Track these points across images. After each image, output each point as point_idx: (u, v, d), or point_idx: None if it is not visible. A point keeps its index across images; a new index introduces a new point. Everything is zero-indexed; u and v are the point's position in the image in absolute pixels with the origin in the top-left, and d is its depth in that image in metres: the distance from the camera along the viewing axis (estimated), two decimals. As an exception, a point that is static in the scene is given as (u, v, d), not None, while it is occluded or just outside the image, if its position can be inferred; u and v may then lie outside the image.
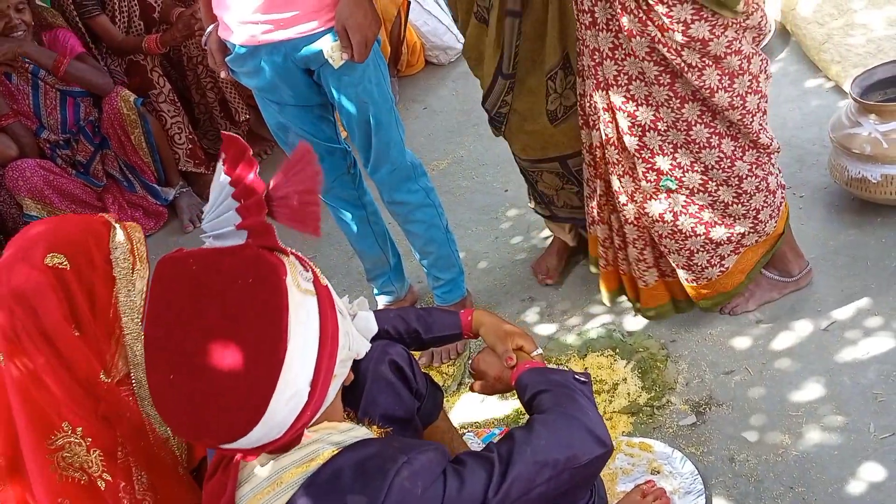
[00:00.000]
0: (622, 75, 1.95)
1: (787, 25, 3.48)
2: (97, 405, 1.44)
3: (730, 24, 1.84)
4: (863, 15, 3.14)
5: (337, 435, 1.21)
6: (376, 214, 2.58)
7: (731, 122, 1.96)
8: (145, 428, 1.51)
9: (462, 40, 2.40)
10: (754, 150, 2.03)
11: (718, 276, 2.20)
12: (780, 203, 2.16)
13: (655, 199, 2.09)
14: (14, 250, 1.46)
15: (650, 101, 1.95)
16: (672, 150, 2.00)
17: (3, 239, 3.53)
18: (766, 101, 2.01)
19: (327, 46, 2.01)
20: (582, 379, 1.43)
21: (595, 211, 2.26)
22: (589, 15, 1.94)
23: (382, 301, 2.71)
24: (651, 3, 1.81)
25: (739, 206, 2.07)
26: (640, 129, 1.99)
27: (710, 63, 1.86)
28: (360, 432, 1.26)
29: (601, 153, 2.13)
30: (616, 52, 1.93)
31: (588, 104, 2.09)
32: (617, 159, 2.08)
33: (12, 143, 3.42)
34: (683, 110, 1.93)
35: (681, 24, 1.81)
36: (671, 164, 2.02)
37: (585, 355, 2.35)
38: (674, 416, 2.10)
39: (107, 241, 1.51)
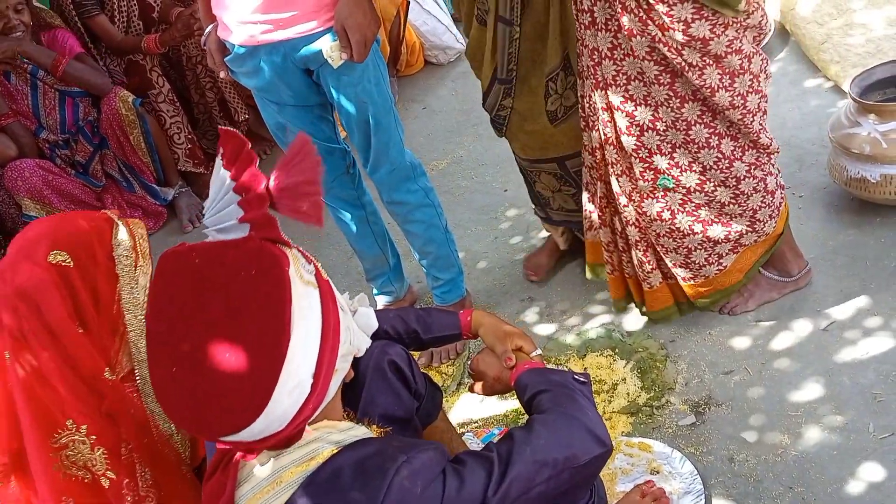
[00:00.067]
0: (621, 75, 1.95)
1: (787, 25, 3.48)
2: (101, 402, 1.44)
3: (730, 23, 1.84)
4: (862, 15, 3.14)
5: (336, 434, 1.21)
6: (375, 214, 2.58)
7: (731, 121, 1.96)
8: (149, 424, 1.51)
9: (462, 41, 2.40)
10: (754, 151, 2.03)
11: (716, 274, 2.20)
12: (780, 203, 2.16)
13: (653, 198, 2.09)
14: (17, 249, 1.46)
15: (649, 101, 1.95)
16: (670, 150, 2.00)
17: (2, 239, 3.53)
18: (767, 101, 2.01)
19: (326, 46, 2.01)
20: (581, 379, 1.43)
21: (596, 214, 2.26)
22: (588, 15, 1.94)
23: (382, 301, 2.71)
24: (651, 2, 1.81)
25: (736, 205, 2.07)
26: (638, 128, 1.99)
27: (711, 62, 1.86)
28: (360, 431, 1.26)
29: (601, 154, 2.13)
30: (615, 51, 1.93)
31: (588, 105, 2.09)
32: (616, 159, 2.08)
33: (11, 143, 3.42)
34: (683, 110, 1.93)
35: (681, 24, 1.81)
36: (669, 164, 2.02)
37: (585, 355, 2.35)
38: (673, 416, 2.10)
39: (109, 238, 1.52)
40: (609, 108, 2.01)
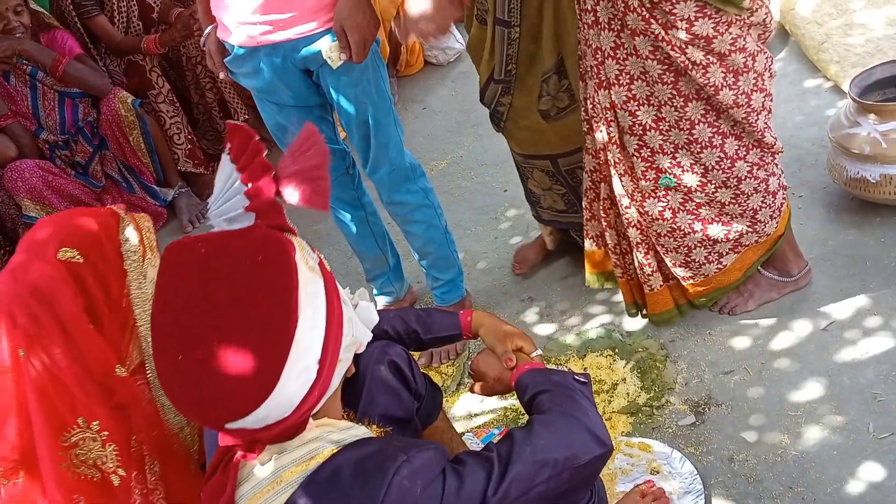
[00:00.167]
0: (624, 74, 1.94)
1: (786, 25, 3.48)
2: (112, 397, 1.45)
3: (734, 20, 1.83)
4: (862, 15, 3.14)
5: (337, 433, 1.21)
6: (375, 215, 2.58)
7: (735, 120, 1.96)
8: (159, 417, 1.52)
9: (462, 41, 2.41)
10: (758, 150, 2.03)
11: (715, 272, 2.20)
12: (781, 204, 2.16)
13: (654, 198, 2.09)
14: (26, 248, 1.47)
15: (651, 101, 1.95)
16: (672, 150, 2.00)
17: (1, 239, 3.53)
18: (771, 100, 2.01)
19: (326, 47, 2.01)
20: (581, 379, 1.43)
21: (600, 219, 2.25)
22: (591, 14, 1.94)
23: (382, 301, 2.71)
24: (654, 0, 1.81)
25: (736, 205, 2.07)
26: (641, 128, 1.98)
27: (715, 60, 1.86)
28: (360, 431, 1.26)
29: (604, 156, 2.13)
30: (618, 51, 1.93)
31: (591, 106, 2.09)
32: (618, 159, 2.08)
33: (11, 144, 3.42)
34: (687, 109, 1.93)
35: (684, 22, 1.81)
36: (671, 163, 2.02)
37: (585, 355, 2.35)
38: (673, 416, 2.10)
39: (117, 233, 1.52)
40: (612, 108, 2.01)
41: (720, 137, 1.97)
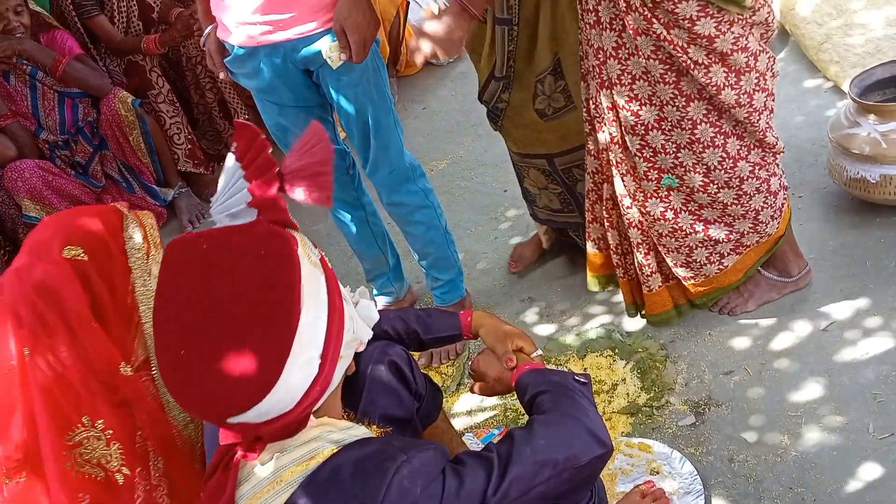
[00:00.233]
0: (626, 74, 1.94)
1: (786, 25, 3.48)
2: (117, 394, 1.45)
3: (736, 20, 1.83)
4: (862, 15, 3.14)
5: (337, 433, 1.21)
6: (375, 215, 2.58)
7: (737, 120, 1.96)
8: (164, 414, 1.52)
9: (462, 39, 2.41)
10: (759, 150, 2.03)
11: (716, 273, 2.20)
12: (782, 204, 2.16)
13: (656, 198, 2.09)
14: (30, 247, 1.47)
15: (654, 101, 1.94)
16: (675, 150, 2.00)
17: (1, 239, 3.53)
18: (773, 100, 2.01)
19: (326, 47, 2.01)
20: (582, 380, 1.43)
21: (602, 220, 2.25)
22: (593, 14, 1.94)
23: (381, 302, 2.71)
24: (657, 0, 1.81)
25: (739, 206, 2.07)
26: (643, 127, 1.98)
27: (717, 60, 1.86)
28: (360, 431, 1.26)
29: (606, 157, 2.13)
30: (619, 51, 1.93)
31: (593, 106, 2.09)
32: (620, 159, 2.08)
33: (11, 144, 3.42)
34: (689, 109, 1.93)
35: (686, 21, 1.81)
36: (673, 163, 2.02)
37: (585, 356, 2.35)
38: (673, 417, 2.10)
39: (120, 231, 1.53)
40: (614, 108, 2.01)
41: (722, 137, 1.97)
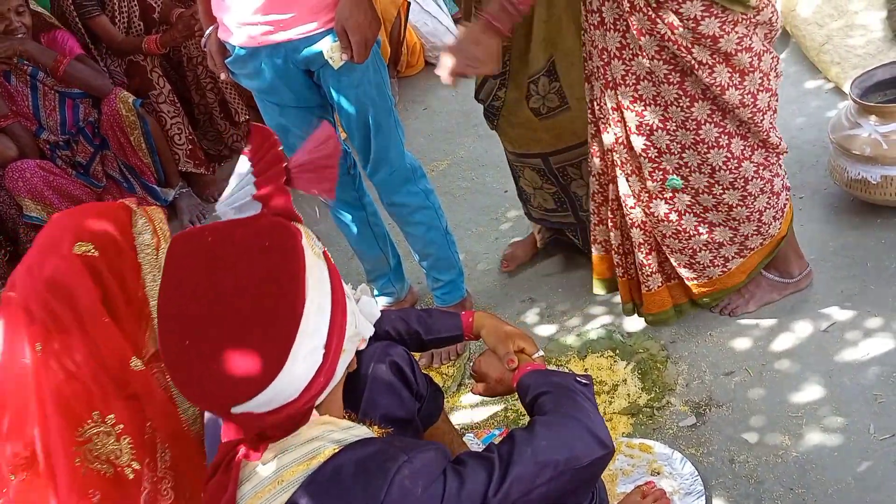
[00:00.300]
0: (630, 75, 1.94)
1: (787, 26, 3.48)
2: (128, 388, 1.45)
3: (740, 20, 1.83)
4: (862, 16, 3.14)
5: (338, 433, 1.21)
6: (376, 216, 2.58)
7: (741, 120, 1.96)
8: (173, 406, 1.52)
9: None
10: (763, 150, 2.03)
11: (720, 276, 2.20)
12: (784, 205, 2.16)
13: (661, 199, 2.09)
14: (41, 244, 1.48)
15: (658, 101, 1.94)
16: (680, 150, 2.00)
17: (1, 239, 3.53)
18: (777, 100, 2.01)
19: (327, 47, 2.01)
20: (583, 381, 1.43)
21: (607, 218, 2.25)
22: (597, 15, 1.94)
23: (382, 302, 2.71)
24: (660, 0, 1.81)
25: (744, 208, 2.07)
26: (647, 128, 1.98)
27: (721, 60, 1.86)
28: (361, 431, 1.26)
29: (611, 157, 2.13)
30: (623, 51, 1.93)
31: (598, 107, 2.09)
32: (625, 159, 2.08)
33: (12, 144, 3.42)
34: (693, 109, 1.93)
35: (691, 21, 1.80)
36: (678, 164, 2.02)
37: (585, 356, 2.35)
38: (674, 417, 2.10)
39: (130, 227, 1.54)
40: (619, 108, 2.01)
41: (726, 137, 1.97)
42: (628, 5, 1.84)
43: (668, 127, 1.97)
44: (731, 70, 1.87)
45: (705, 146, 1.97)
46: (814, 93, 3.20)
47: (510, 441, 1.26)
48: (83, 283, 1.42)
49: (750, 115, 1.93)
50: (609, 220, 2.24)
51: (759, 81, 1.91)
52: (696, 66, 1.85)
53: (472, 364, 1.67)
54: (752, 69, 1.89)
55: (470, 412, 2.32)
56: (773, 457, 1.92)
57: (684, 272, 2.21)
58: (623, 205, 2.16)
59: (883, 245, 2.38)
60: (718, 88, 1.87)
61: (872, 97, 2.46)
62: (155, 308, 1.51)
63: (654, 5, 1.81)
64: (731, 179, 2.02)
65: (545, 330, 2.53)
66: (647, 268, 2.22)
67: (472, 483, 1.18)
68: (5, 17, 3.34)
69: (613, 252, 2.28)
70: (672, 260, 2.20)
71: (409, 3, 4.19)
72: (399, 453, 1.15)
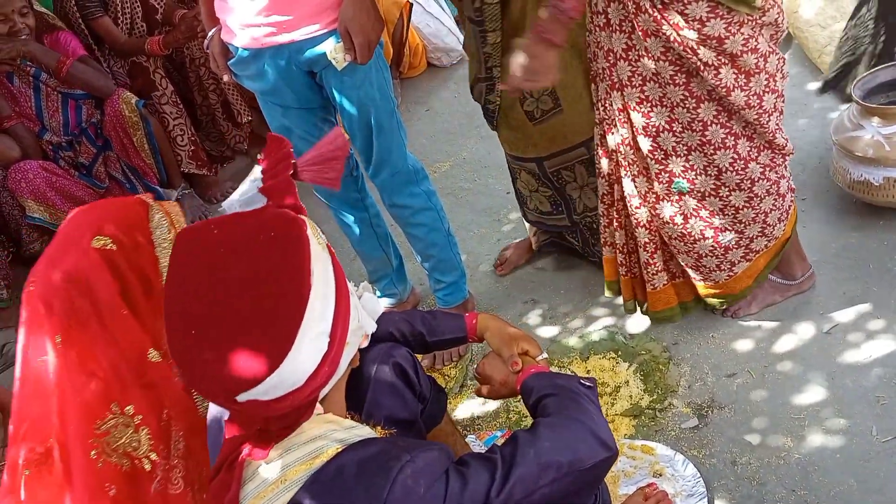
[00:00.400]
0: (636, 76, 1.94)
1: (790, 28, 3.48)
2: (145, 378, 1.46)
3: (745, 21, 1.83)
4: (865, 18, 3.14)
5: (341, 432, 1.21)
6: (378, 217, 2.58)
7: (747, 122, 1.96)
8: (190, 399, 1.53)
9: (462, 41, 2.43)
10: (769, 152, 2.03)
11: (726, 280, 2.19)
12: (789, 207, 2.16)
13: (667, 201, 2.09)
14: (61, 238, 1.49)
15: (664, 102, 1.94)
16: (686, 152, 2.00)
17: (4, 239, 3.53)
18: (783, 101, 2.01)
19: (330, 48, 2.02)
20: (587, 384, 1.43)
21: (614, 223, 2.25)
22: (603, 16, 1.94)
23: (385, 303, 2.71)
24: (666, 1, 1.81)
25: (750, 209, 2.07)
26: (654, 129, 1.98)
27: (727, 61, 1.86)
28: (364, 431, 1.26)
29: (616, 158, 2.13)
30: (629, 53, 1.93)
31: (603, 108, 2.09)
32: (632, 160, 2.08)
33: (15, 145, 3.43)
34: (699, 110, 1.93)
35: (696, 22, 1.80)
36: (684, 166, 2.02)
37: (587, 358, 2.35)
38: (676, 419, 2.10)
39: (147, 222, 1.55)
40: (625, 110, 2.01)
41: (733, 138, 1.97)
42: (634, 7, 1.84)
43: (674, 128, 1.97)
44: (736, 71, 1.87)
45: (711, 147, 1.97)
46: (816, 94, 3.20)
47: (513, 442, 1.26)
48: (102, 276, 1.44)
49: (756, 117, 1.93)
50: (615, 221, 2.24)
51: (765, 82, 1.91)
52: (702, 68, 1.85)
53: (474, 366, 1.68)
54: (757, 70, 1.89)
55: (472, 413, 2.32)
56: (776, 458, 1.92)
57: (691, 273, 2.21)
58: (628, 205, 2.16)
59: (885, 247, 2.38)
60: (724, 90, 1.87)
61: (875, 98, 2.46)
62: None
63: (660, 6, 1.81)
64: (738, 181, 2.02)
65: (547, 331, 2.53)
66: (652, 266, 2.22)
67: (474, 483, 1.18)
68: (9, 18, 3.35)
69: (618, 251, 2.28)
70: (679, 259, 2.20)
71: (411, 5, 4.19)
72: (402, 453, 1.15)
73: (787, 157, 2.09)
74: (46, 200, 3.41)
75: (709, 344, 2.29)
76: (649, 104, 1.96)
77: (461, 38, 4.46)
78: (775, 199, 2.09)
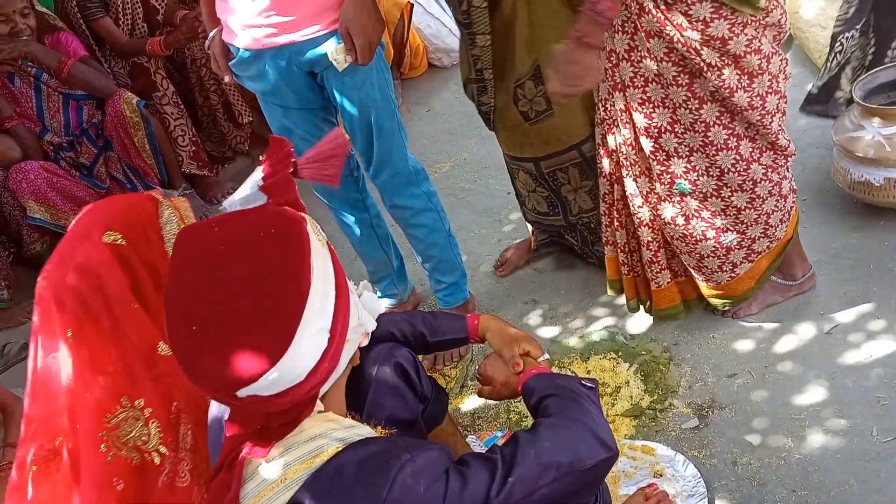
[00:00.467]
0: (638, 77, 1.94)
1: (790, 29, 3.48)
2: (155, 371, 1.46)
3: (749, 21, 1.83)
4: (865, 18, 3.13)
5: (341, 431, 1.22)
6: (379, 217, 2.58)
7: (749, 122, 1.95)
8: (200, 395, 1.53)
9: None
10: (771, 152, 2.03)
11: (728, 281, 2.19)
12: (791, 208, 2.15)
13: (668, 202, 2.09)
14: (72, 234, 1.50)
15: (666, 104, 1.94)
16: (688, 154, 2.00)
17: (5, 240, 3.54)
18: (786, 102, 2.01)
19: (331, 49, 2.02)
20: (588, 384, 1.43)
21: (615, 222, 2.25)
22: None
23: (385, 304, 2.71)
24: (669, 2, 1.81)
25: (752, 210, 2.07)
26: (656, 130, 1.98)
27: (730, 62, 1.85)
28: (365, 430, 1.26)
29: (616, 158, 2.13)
30: (632, 53, 1.92)
31: (604, 108, 2.09)
32: (634, 160, 2.08)
33: (16, 145, 3.43)
34: (702, 111, 1.93)
35: (700, 23, 1.80)
36: (686, 168, 2.02)
37: (588, 358, 2.35)
38: (676, 419, 2.10)
39: (157, 217, 1.55)
40: (627, 110, 2.01)
41: (735, 140, 1.97)
42: (637, 7, 1.84)
43: (676, 130, 1.96)
44: (739, 72, 1.87)
45: (714, 148, 1.97)
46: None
47: (513, 442, 1.26)
48: (112, 270, 1.44)
49: (759, 118, 1.93)
50: (616, 220, 2.24)
51: (768, 83, 1.91)
52: (706, 69, 1.85)
53: (475, 366, 1.68)
54: (760, 71, 1.89)
55: (472, 414, 2.32)
56: (776, 459, 1.92)
57: (694, 273, 2.21)
58: (630, 204, 2.16)
59: (886, 247, 2.38)
60: (727, 91, 1.87)
61: (876, 99, 2.46)
62: None
63: (664, 7, 1.81)
64: (740, 182, 2.02)
65: (548, 332, 2.53)
66: (656, 265, 2.22)
67: (474, 483, 1.18)
68: (10, 19, 3.35)
69: (619, 251, 2.28)
70: (682, 259, 2.20)
71: (412, 5, 4.19)
72: (402, 452, 1.15)
73: (789, 158, 2.09)
74: (47, 201, 3.41)
75: (709, 344, 2.29)
76: (651, 105, 1.96)
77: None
78: (777, 200, 2.09)
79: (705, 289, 2.24)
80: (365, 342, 1.32)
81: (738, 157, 1.98)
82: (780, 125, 2.00)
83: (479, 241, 3.05)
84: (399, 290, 2.70)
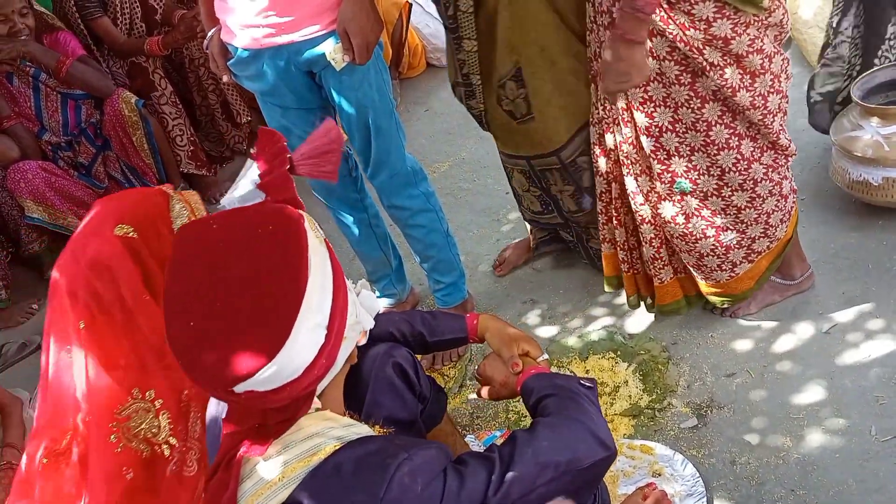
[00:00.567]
0: None
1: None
2: (166, 361, 1.46)
3: (751, 21, 1.83)
4: (864, 18, 3.13)
5: (339, 429, 1.21)
6: (378, 217, 2.58)
7: (751, 122, 1.95)
8: None
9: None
10: (772, 152, 2.03)
11: (727, 280, 2.19)
12: (791, 208, 2.15)
13: (669, 201, 2.09)
14: (84, 228, 1.51)
15: (668, 103, 1.94)
16: (689, 153, 2.00)
17: (3, 240, 3.53)
18: (787, 102, 2.01)
19: (329, 49, 2.02)
20: (587, 384, 1.43)
21: (613, 220, 2.25)
22: (607, 15, 1.94)
23: (384, 303, 2.71)
24: (672, 1, 1.81)
25: (752, 210, 2.07)
26: (657, 129, 1.98)
27: (732, 62, 1.85)
28: (363, 429, 1.26)
29: (615, 156, 2.13)
30: None
31: (603, 107, 2.09)
32: (635, 159, 2.08)
33: (14, 145, 3.43)
34: (704, 110, 1.93)
35: (703, 23, 1.80)
36: (687, 167, 2.02)
37: (587, 357, 2.35)
38: (675, 419, 2.10)
39: (167, 211, 1.56)
40: (628, 109, 2.01)
41: (737, 139, 1.97)
42: None
43: (677, 129, 1.96)
44: (742, 71, 1.87)
45: (715, 148, 1.97)
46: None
47: (512, 442, 1.26)
48: (124, 263, 1.44)
49: (760, 117, 1.93)
50: (614, 218, 2.24)
51: (770, 83, 1.91)
52: (708, 68, 1.84)
53: (474, 366, 1.68)
54: (763, 71, 1.89)
55: (471, 413, 2.32)
56: (775, 458, 1.92)
57: (693, 272, 2.21)
58: (631, 202, 2.16)
59: (884, 247, 2.38)
60: (730, 90, 1.87)
61: (874, 99, 2.46)
62: None
63: (666, 6, 1.81)
64: (741, 181, 2.02)
65: (546, 331, 2.53)
66: (658, 261, 2.22)
67: (472, 482, 1.18)
68: (9, 18, 3.35)
69: (619, 248, 2.28)
70: (681, 257, 2.20)
71: (410, 5, 4.19)
72: (399, 451, 1.15)
73: (789, 158, 2.09)
74: (45, 201, 3.41)
75: (708, 344, 2.29)
76: (653, 104, 1.96)
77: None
78: (778, 200, 2.09)
79: (704, 287, 2.24)
80: (363, 341, 1.32)
81: (739, 157, 1.98)
82: (781, 125, 2.00)
83: (477, 241, 3.05)
84: (398, 289, 2.70)
